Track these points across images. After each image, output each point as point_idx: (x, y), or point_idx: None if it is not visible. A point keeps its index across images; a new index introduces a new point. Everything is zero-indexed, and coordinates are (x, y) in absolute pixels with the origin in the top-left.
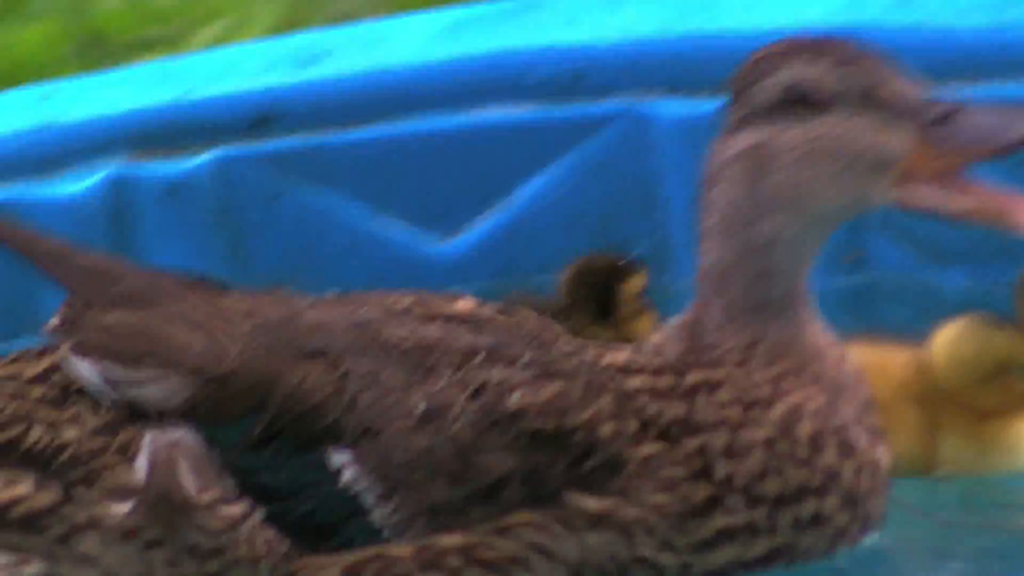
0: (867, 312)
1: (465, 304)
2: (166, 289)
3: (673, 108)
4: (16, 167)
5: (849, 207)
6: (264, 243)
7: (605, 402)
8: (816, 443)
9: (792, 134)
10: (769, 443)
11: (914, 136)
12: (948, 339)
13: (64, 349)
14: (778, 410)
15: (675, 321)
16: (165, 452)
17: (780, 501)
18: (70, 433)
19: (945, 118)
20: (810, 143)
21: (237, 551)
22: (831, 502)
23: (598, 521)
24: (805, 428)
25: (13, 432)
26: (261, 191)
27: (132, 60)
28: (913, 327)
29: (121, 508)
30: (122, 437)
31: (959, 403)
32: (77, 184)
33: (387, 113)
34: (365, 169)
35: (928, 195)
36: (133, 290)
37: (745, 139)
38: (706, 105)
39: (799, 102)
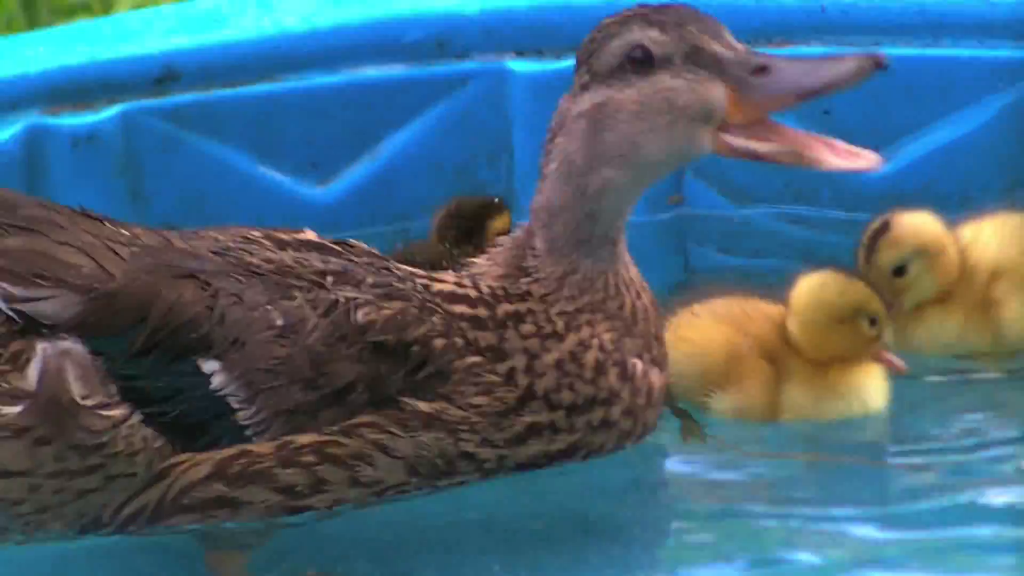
0: (679, 247)
1: (310, 235)
2: (58, 219)
3: (526, 69)
4: None
5: (676, 158)
6: (163, 188)
7: (436, 321)
8: (599, 369)
9: (627, 93)
10: (560, 365)
11: (731, 88)
12: (812, 284)
13: None
14: (569, 342)
15: (500, 246)
16: (55, 361)
17: (573, 408)
18: None
19: (758, 71)
20: (642, 102)
21: (117, 447)
22: (615, 412)
23: (429, 422)
24: (591, 357)
25: None
26: (160, 142)
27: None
28: (721, 262)
29: (13, 410)
30: (14, 347)
31: (806, 355)
32: None
33: (273, 72)
34: (253, 122)
35: (741, 141)
36: (29, 218)
37: (589, 99)
38: (555, 66)
39: (637, 63)
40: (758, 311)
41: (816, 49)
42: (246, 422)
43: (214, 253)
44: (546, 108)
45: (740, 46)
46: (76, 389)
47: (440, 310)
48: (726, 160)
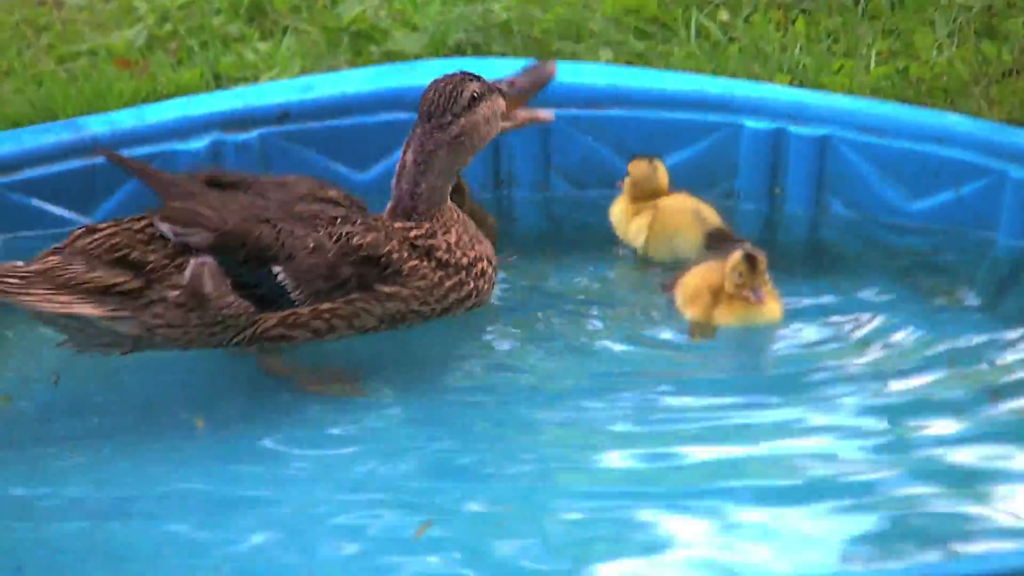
0: (510, 218)
1: (333, 193)
2: (199, 189)
3: None
4: None
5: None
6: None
7: (395, 242)
8: (470, 244)
9: (478, 114)
10: (452, 247)
11: (504, 99)
12: (735, 256)
13: (155, 218)
14: (453, 235)
15: (388, 209)
16: (198, 268)
17: (470, 266)
18: (152, 256)
19: (511, 85)
20: (485, 116)
21: (230, 311)
22: (487, 266)
23: (391, 296)
24: (466, 238)
25: (126, 252)
26: (280, 152)
27: None
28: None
29: (174, 293)
30: (178, 260)
31: (729, 293)
32: None
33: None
34: (325, 140)
35: (506, 124)
36: (184, 191)
37: (451, 131)
38: None
39: (472, 100)
40: (713, 269)
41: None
42: (294, 299)
43: (279, 207)
44: None
45: (504, 81)
46: (208, 284)
47: (396, 237)
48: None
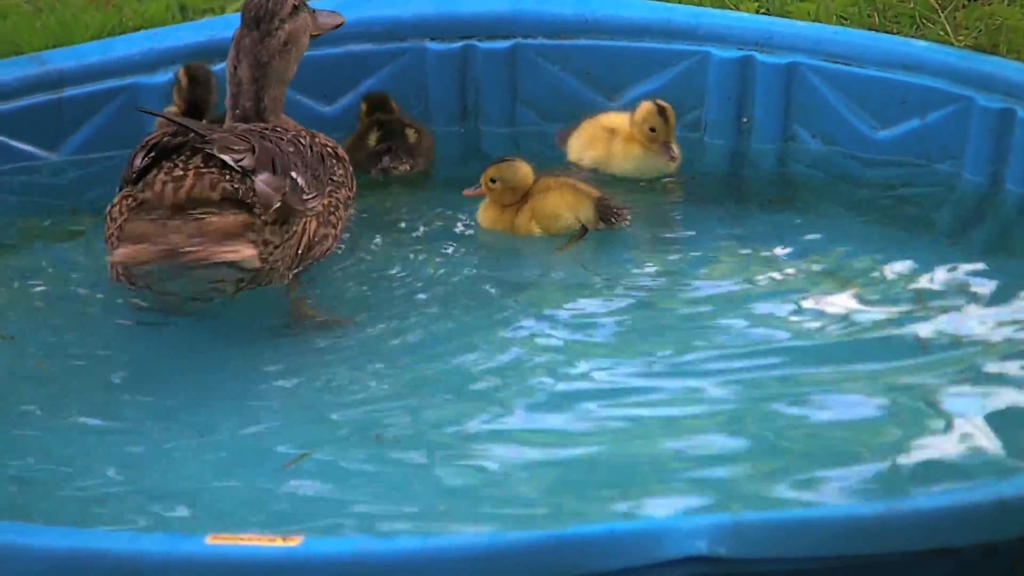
0: (477, 151)
1: (324, 137)
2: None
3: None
4: None
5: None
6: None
7: (320, 139)
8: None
9: (299, 22)
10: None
11: (311, 17)
12: (646, 106)
13: (214, 150)
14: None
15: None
16: (270, 183)
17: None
18: (237, 186)
19: (313, 13)
20: (302, 24)
21: (312, 208)
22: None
23: (339, 185)
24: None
25: (223, 190)
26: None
27: None
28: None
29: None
30: (249, 184)
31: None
32: None
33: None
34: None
35: (313, 32)
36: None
37: (279, 38)
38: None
39: (293, 10)
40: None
41: None
42: (311, 205)
43: (289, 140)
44: None
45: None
46: (283, 194)
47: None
48: None
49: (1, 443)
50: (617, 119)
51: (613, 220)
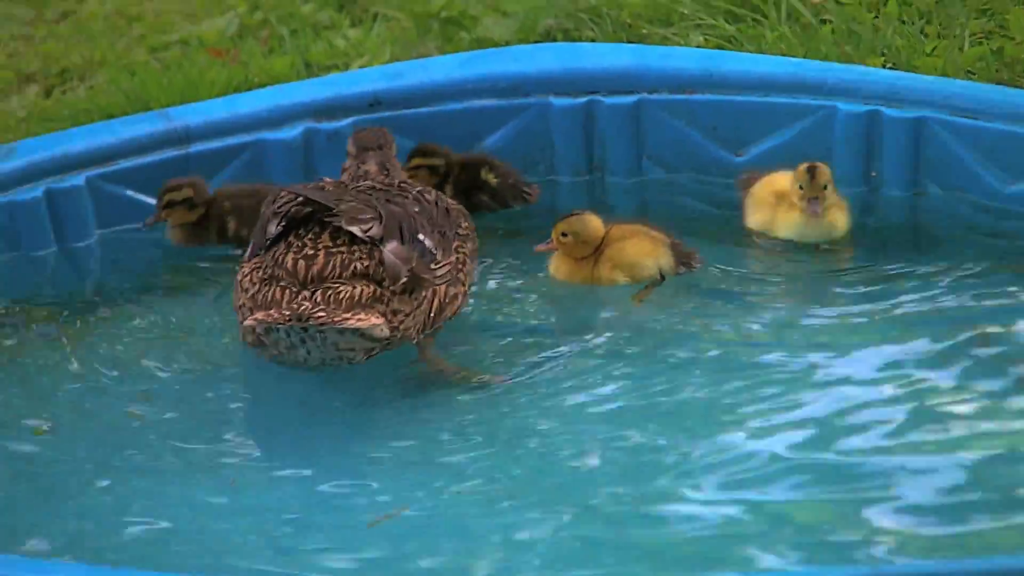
0: (604, 204)
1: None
2: (341, 190)
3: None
4: None
5: None
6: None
7: (415, 191)
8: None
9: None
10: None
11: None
12: (800, 167)
13: (341, 223)
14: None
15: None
16: (397, 254)
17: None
18: (366, 261)
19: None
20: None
21: (441, 279)
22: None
23: (464, 238)
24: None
25: (353, 265)
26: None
27: None
28: None
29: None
30: (376, 256)
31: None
32: None
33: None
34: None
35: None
36: (328, 192)
37: (378, 155)
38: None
39: (375, 151)
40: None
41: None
42: (439, 261)
43: (413, 199)
44: None
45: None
46: (409, 263)
47: (410, 192)
48: None
49: (125, 495)
50: (784, 180)
51: (690, 264)
